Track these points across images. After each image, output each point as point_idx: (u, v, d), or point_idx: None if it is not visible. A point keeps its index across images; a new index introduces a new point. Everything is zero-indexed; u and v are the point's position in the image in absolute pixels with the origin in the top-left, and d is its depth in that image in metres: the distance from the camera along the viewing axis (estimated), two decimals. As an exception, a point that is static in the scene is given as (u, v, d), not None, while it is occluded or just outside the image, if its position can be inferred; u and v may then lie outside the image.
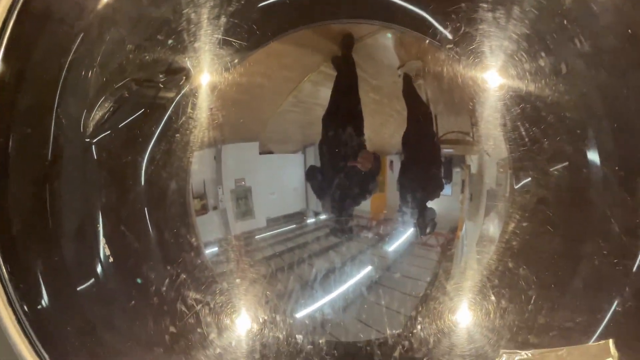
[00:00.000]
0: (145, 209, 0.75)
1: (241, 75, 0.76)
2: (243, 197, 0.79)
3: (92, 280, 0.71)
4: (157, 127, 0.75)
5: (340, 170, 0.77)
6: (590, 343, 0.66)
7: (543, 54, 0.69)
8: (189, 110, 0.75)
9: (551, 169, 0.70)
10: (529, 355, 0.67)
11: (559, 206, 0.71)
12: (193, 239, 0.77)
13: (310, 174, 0.78)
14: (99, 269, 0.72)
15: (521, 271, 0.73)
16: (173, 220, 0.77)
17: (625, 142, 0.68)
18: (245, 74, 0.76)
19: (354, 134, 0.76)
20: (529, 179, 0.71)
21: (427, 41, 0.74)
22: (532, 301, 0.72)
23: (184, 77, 0.76)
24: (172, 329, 0.74)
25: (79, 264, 0.71)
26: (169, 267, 0.75)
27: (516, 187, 0.72)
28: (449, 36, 0.72)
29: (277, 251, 0.80)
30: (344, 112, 0.77)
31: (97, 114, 0.72)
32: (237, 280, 0.79)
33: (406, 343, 0.75)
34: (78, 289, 0.70)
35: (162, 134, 0.75)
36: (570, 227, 0.72)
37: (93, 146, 0.72)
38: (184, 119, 0.75)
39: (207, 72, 0.76)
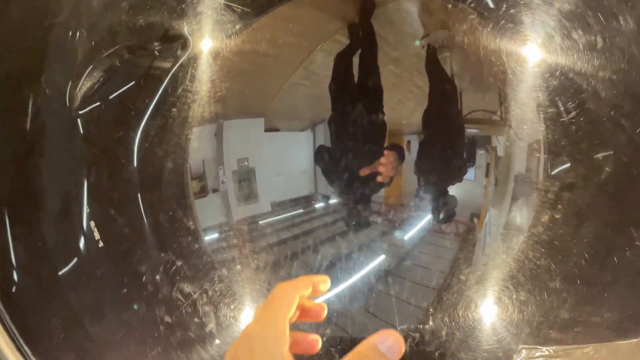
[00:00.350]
0: (139, 189, 0.69)
1: (245, 43, 0.70)
2: (246, 178, 0.73)
3: (79, 267, 0.66)
4: (152, 99, 0.69)
5: (351, 151, 0.72)
6: (621, 341, 0.61)
7: (580, 31, 0.63)
8: (187, 82, 0.69)
9: (595, 156, 0.64)
10: (551, 351, 0.64)
11: (593, 193, 0.66)
12: (190, 223, 0.72)
13: (319, 155, 0.73)
14: (86, 255, 0.67)
15: (543, 262, 0.69)
16: (169, 202, 0.71)
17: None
18: (250, 42, 0.70)
19: (372, 112, 0.70)
20: (568, 164, 0.66)
21: (457, 7, 0.67)
22: (554, 294, 0.67)
23: (181, 46, 0.70)
24: (167, 319, 0.69)
25: (63, 250, 0.65)
26: (163, 254, 0.70)
27: (552, 173, 0.66)
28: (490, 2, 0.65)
29: (282, 237, 0.75)
30: (362, 86, 0.71)
31: (85, 85, 0.66)
32: (238, 267, 0.74)
33: (417, 335, 0.71)
34: (61, 274, 0.64)
35: (157, 108, 0.69)
36: (602, 215, 0.67)
37: (79, 119, 0.66)
38: (180, 91, 0.69)
39: (207, 39, 0.70)
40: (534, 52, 0.64)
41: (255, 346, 0.35)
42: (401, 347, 0.35)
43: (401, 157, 0.72)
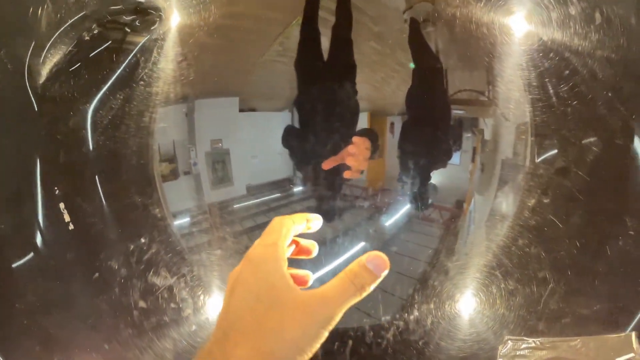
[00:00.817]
0: (106, 172, 0.66)
1: (222, 18, 0.66)
2: (220, 160, 0.70)
3: (46, 251, 0.64)
4: (116, 69, 0.65)
5: (318, 136, 0.67)
6: (609, 335, 0.59)
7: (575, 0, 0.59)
8: (157, 55, 0.65)
9: (584, 142, 0.60)
10: (537, 343, 0.62)
11: (586, 179, 0.63)
12: (157, 210, 0.69)
13: (287, 136, 0.68)
14: (55, 237, 0.64)
15: (533, 250, 0.66)
16: (139, 185, 0.68)
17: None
18: (225, 16, 0.65)
19: (343, 92, 0.65)
20: (555, 150, 0.62)
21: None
22: (543, 284, 0.64)
23: (158, 20, 0.66)
24: (141, 304, 0.67)
25: (25, 231, 0.63)
26: (136, 238, 0.68)
27: (539, 159, 0.62)
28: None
29: (258, 222, 0.72)
30: (332, 62, 0.66)
31: (51, 60, 0.63)
32: (218, 252, 0.71)
33: (401, 324, 0.69)
34: (26, 259, 0.62)
35: (125, 83, 0.65)
36: (596, 203, 0.64)
37: (44, 95, 0.63)
38: (150, 65, 0.65)
39: (181, 11, 0.66)
40: (523, 26, 0.60)
41: (257, 267, 0.39)
42: (387, 266, 0.39)
43: (375, 146, 0.65)
